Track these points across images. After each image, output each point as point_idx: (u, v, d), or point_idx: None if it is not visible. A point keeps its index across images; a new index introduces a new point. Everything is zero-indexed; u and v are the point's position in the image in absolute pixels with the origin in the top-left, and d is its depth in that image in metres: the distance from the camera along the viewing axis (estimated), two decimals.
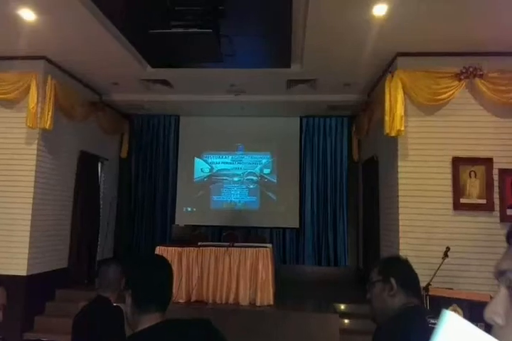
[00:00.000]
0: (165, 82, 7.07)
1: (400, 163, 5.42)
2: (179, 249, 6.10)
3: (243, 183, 8.97)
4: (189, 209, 8.99)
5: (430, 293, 4.31)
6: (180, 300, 5.86)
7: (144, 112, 8.88)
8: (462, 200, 5.22)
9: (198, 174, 9.08)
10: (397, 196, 5.37)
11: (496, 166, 5.22)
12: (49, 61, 6.08)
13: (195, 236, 7.23)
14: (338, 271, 8.37)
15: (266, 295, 5.89)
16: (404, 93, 5.35)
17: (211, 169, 9.07)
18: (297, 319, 5.44)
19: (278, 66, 6.32)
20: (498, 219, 5.15)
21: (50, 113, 5.82)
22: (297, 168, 8.87)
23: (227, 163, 9.05)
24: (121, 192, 9.07)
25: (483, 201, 5.19)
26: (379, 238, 6.28)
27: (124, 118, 8.86)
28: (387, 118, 5.33)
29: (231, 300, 5.92)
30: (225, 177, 9.02)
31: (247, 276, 5.94)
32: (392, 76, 5.43)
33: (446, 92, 5.30)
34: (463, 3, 4.33)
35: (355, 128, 8.10)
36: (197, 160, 9.10)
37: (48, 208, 6.20)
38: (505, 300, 0.65)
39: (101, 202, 7.90)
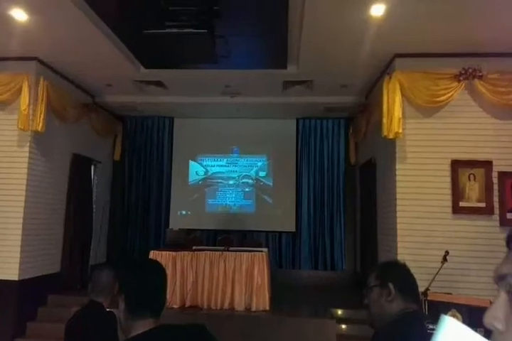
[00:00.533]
0: (159, 83, 6.99)
1: (397, 166, 5.36)
2: (173, 253, 6.03)
3: (238, 186, 8.89)
4: (184, 212, 8.91)
5: (429, 298, 4.29)
6: (175, 306, 5.78)
7: (137, 114, 8.79)
8: (461, 204, 5.17)
9: (192, 177, 8.99)
10: (395, 199, 5.31)
11: (496, 169, 5.18)
12: (41, 62, 6.01)
13: (189, 240, 7.13)
14: (335, 275, 8.29)
15: (262, 300, 5.82)
16: (402, 95, 5.30)
17: (206, 172, 8.99)
18: (293, 324, 5.38)
19: (274, 67, 6.27)
20: (497, 223, 5.10)
21: (42, 115, 5.75)
22: (293, 171, 8.79)
23: (222, 165, 8.97)
24: (114, 196, 8.98)
25: (483, 204, 5.13)
26: (376, 242, 6.22)
27: (117, 120, 8.78)
28: (384, 120, 5.27)
29: (226, 305, 5.85)
30: (220, 180, 8.93)
31: (243, 281, 5.87)
32: (390, 77, 5.37)
33: (445, 94, 5.25)
34: (462, 4, 4.29)
35: (352, 130, 8.04)
36: (192, 162, 9.01)
37: (40, 211, 6.12)
38: (505, 305, 0.64)
39: (94, 206, 7.82)
